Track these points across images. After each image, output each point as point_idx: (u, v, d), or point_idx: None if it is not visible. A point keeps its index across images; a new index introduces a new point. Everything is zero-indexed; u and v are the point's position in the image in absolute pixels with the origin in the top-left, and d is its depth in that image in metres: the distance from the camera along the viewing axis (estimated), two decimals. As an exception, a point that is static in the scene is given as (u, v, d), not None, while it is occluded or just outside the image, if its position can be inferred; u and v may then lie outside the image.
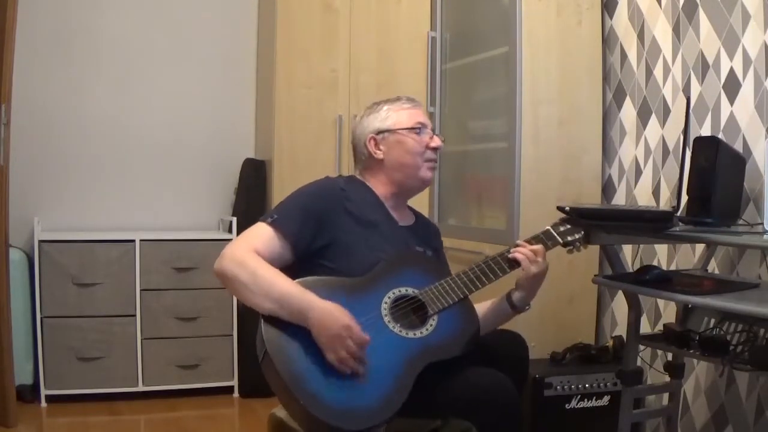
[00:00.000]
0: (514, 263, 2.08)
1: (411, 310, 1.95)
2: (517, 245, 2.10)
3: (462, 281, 2.00)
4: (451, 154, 3.68)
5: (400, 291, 1.96)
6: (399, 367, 1.84)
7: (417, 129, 2.11)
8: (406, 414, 1.81)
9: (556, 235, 2.15)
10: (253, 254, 1.90)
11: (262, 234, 1.95)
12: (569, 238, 2.15)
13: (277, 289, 1.86)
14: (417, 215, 2.23)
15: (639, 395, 2.71)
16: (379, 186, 2.12)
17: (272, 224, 1.95)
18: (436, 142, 2.13)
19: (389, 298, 1.94)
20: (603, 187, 3.25)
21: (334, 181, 2.10)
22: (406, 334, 1.90)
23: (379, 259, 1.99)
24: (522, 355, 2.10)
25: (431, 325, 1.93)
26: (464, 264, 2.09)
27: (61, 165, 4.03)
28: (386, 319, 1.91)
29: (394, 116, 2.12)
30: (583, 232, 2.18)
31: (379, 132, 2.11)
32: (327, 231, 1.97)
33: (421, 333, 1.91)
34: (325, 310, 1.83)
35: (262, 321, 1.88)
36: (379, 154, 2.11)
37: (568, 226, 2.17)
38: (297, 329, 1.84)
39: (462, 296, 1.99)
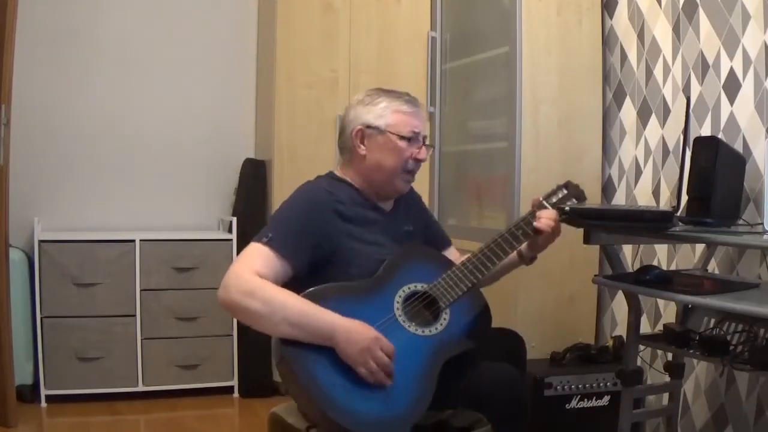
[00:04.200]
0: (523, 237, 2.06)
1: (423, 307, 1.94)
2: (529, 219, 2.08)
3: (468, 269, 1.99)
4: (451, 154, 3.68)
5: (410, 288, 1.95)
6: (421, 369, 1.84)
7: (408, 137, 2.05)
8: None
9: (548, 206, 2.13)
10: (259, 279, 1.84)
11: (260, 255, 1.89)
12: (562, 207, 2.13)
13: (295, 313, 1.81)
14: None
15: (639, 395, 2.71)
16: (358, 180, 2.08)
17: (268, 244, 1.90)
18: (422, 154, 2.07)
19: (400, 296, 1.93)
20: (603, 187, 3.25)
21: (318, 185, 2.05)
22: (422, 332, 1.90)
23: (381, 254, 1.99)
24: (519, 351, 2.11)
25: (445, 320, 1.93)
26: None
27: (61, 165, 4.03)
28: (401, 319, 1.90)
29: (390, 117, 2.04)
30: (575, 200, 2.16)
31: (369, 127, 2.04)
32: (326, 242, 1.95)
33: (436, 329, 1.91)
34: (350, 327, 1.81)
35: None
36: (362, 150, 2.05)
37: (562, 194, 2.16)
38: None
39: (470, 285, 1.98)
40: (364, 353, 1.79)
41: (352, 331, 1.81)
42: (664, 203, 2.95)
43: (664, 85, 2.95)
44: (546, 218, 2.06)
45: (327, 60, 3.89)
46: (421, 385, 1.81)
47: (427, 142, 2.13)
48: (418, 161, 2.07)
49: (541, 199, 2.14)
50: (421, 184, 2.20)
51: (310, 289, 1.87)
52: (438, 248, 2.20)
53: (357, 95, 2.13)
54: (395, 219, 2.12)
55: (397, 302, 1.92)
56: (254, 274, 1.85)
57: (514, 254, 2.13)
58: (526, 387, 1.96)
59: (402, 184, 2.08)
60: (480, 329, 1.95)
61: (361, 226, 2.01)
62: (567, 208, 2.17)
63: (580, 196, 2.18)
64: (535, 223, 2.06)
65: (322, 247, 1.94)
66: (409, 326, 1.90)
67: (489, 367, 1.89)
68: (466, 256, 2.06)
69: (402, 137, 2.04)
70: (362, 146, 2.06)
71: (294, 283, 1.90)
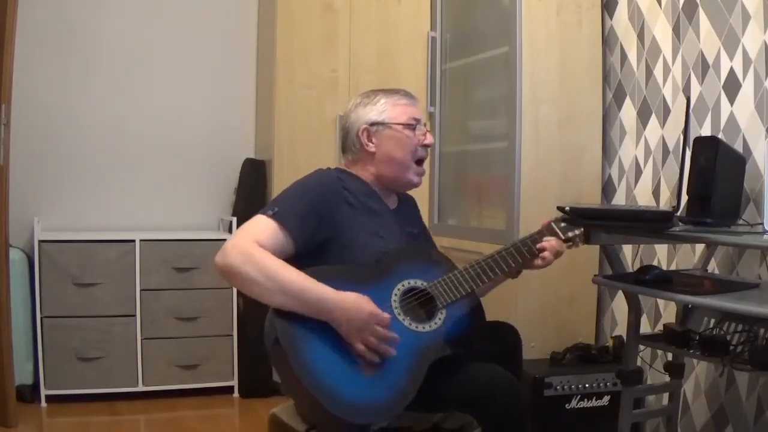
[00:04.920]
0: (528, 255, 2.09)
1: (419, 303, 1.95)
2: (536, 239, 2.12)
3: (470, 275, 2.01)
4: (451, 154, 3.68)
5: (409, 283, 1.96)
6: (410, 361, 1.84)
7: (411, 125, 2.11)
8: (409, 408, 1.81)
9: (557, 230, 2.16)
10: (259, 248, 1.86)
11: (264, 227, 1.91)
12: (569, 234, 2.17)
13: (293, 283, 1.84)
14: (398, 195, 2.22)
15: (639, 395, 2.71)
16: (368, 177, 2.12)
17: (274, 217, 1.92)
18: (428, 139, 2.13)
19: (399, 290, 1.94)
20: (603, 187, 3.25)
21: (329, 171, 2.10)
22: (416, 327, 1.91)
23: (381, 246, 2.00)
24: (515, 344, 2.12)
25: (440, 319, 1.93)
26: (463, 264, 2.09)
27: (61, 165, 4.04)
28: (396, 311, 1.91)
29: (390, 110, 2.11)
30: (582, 229, 2.19)
31: (373, 124, 2.10)
32: (328, 224, 1.96)
33: (430, 327, 1.92)
34: (347, 300, 1.83)
35: (274, 312, 1.86)
36: (371, 147, 2.10)
37: (569, 226, 2.18)
38: (309, 322, 1.83)
39: (470, 290, 1.99)
40: (362, 328, 1.81)
41: (349, 304, 1.82)
42: (664, 203, 2.95)
43: (664, 85, 2.95)
44: (554, 244, 2.11)
45: (327, 60, 3.89)
46: (408, 378, 1.82)
47: (428, 129, 2.17)
48: (426, 146, 2.13)
49: (552, 223, 2.17)
50: (421, 183, 2.21)
51: (309, 269, 1.88)
52: None
53: (353, 100, 2.18)
54: (399, 217, 2.14)
55: (395, 294, 1.93)
56: (256, 243, 1.87)
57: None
58: (523, 391, 1.95)
59: (415, 178, 2.13)
60: (473, 335, 1.96)
61: (365, 216, 2.03)
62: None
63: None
64: (539, 245, 2.10)
65: (324, 228, 1.96)
66: (403, 319, 1.90)
67: (485, 369, 1.89)
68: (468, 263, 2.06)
69: (406, 126, 2.10)
70: (370, 144, 2.10)
71: (291, 264, 1.90)
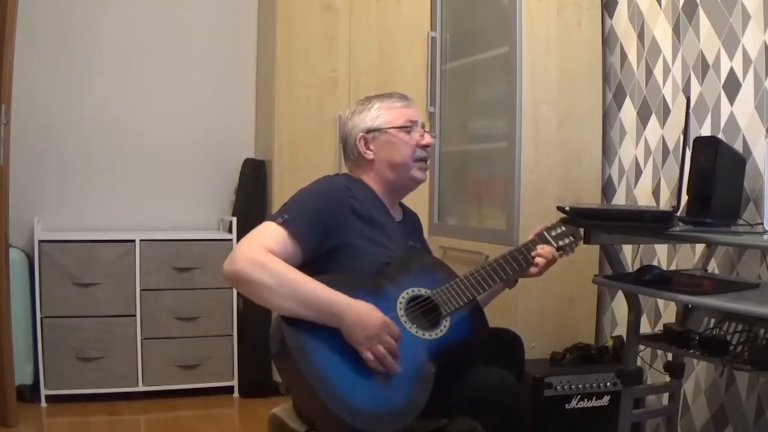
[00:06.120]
0: (524, 263, 2.11)
1: (423, 311, 1.95)
2: (530, 247, 2.14)
3: (470, 282, 2.01)
4: (451, 154, 3.68)
5: (413, 291, 1.96)
6: (419, 369, 1.84)
7: (407, 127, 2.10)
8: None
9: (549, 238, 2.18)
10: (270, 255, 1.84)
11: (273, 234, 1.89)
12: (560, 243, 2.18)
13: (306, 290, 1.82)
14: (403, 208, 2.23)
15: (639, 395, 2.71)
16: (373, 184, 2.11)
17: (283, 225, 1.90)
18: (426, 139, 2.12)
19: (403, 298, 1.94)
20: (603, 187, 3.25)
21: (337, 179, 2.09)
22: (423, 335, 1.90)
23: (386, 256, 2.00)
24: (518, 351, 2.13)
25: (445, 326, 1.93)
26: (463, 264, 2.10)
27: (61, 165, 4.04)
28: (403, 319, 1.91)
29: (385, 115, 2.10)
30: (572, 237, 2.20)
31: (369, 131, 2.10)
32: (335, 234, 1.96)
33: (436, 334, 1.92)
34: (360, 309, 1.82)
35: (282, 319, 1.84)
36: (369, 154, 2.10)
37: (561, 230, 2.20)
38: (318, 330, 1.82)
39: (472, 297, 2.00)
40: (372, 338, 1.80)
41: (361, 313, 1.82)
42: (664, 203, 2.95)
43: (664, 85, 2.95)
44: (548, 251, 2.13)
45: (327, 60, 3.89)
46: (418, 386, 1.82)
47: (427, 130, 2.17)
48: (425, 147, 2.12)
49: (544, 232, 2.18)
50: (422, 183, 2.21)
51: (317, 277, 1.87)
52: None
53: (349, 108, 2.18)
54: (403, 230, 2.15)
55: (400, 303, 1.93)
56: (265, 250, 1.85)
57: (500, 284, 2.17)
58: (524, 394, 1.96)
59: (419, 174, 2.12)
60: (477, 341, 1.97)
61: (371, 227, 2.02)
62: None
63: (576, 234, 2.23)
64: (533, 253, 2.12)
65: (331, 237, 1.95)
66: (410, 327, 1.90)
67: (486, 373, 1.89)
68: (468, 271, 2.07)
69: (401, 128, 2.09)
70: (369, 151, 2.10)
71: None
